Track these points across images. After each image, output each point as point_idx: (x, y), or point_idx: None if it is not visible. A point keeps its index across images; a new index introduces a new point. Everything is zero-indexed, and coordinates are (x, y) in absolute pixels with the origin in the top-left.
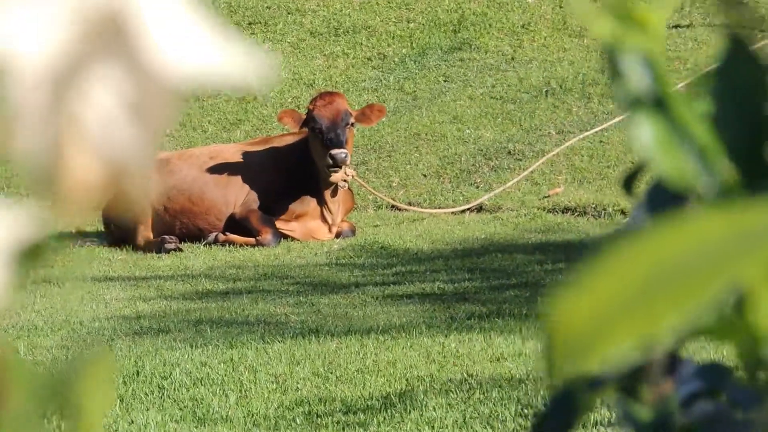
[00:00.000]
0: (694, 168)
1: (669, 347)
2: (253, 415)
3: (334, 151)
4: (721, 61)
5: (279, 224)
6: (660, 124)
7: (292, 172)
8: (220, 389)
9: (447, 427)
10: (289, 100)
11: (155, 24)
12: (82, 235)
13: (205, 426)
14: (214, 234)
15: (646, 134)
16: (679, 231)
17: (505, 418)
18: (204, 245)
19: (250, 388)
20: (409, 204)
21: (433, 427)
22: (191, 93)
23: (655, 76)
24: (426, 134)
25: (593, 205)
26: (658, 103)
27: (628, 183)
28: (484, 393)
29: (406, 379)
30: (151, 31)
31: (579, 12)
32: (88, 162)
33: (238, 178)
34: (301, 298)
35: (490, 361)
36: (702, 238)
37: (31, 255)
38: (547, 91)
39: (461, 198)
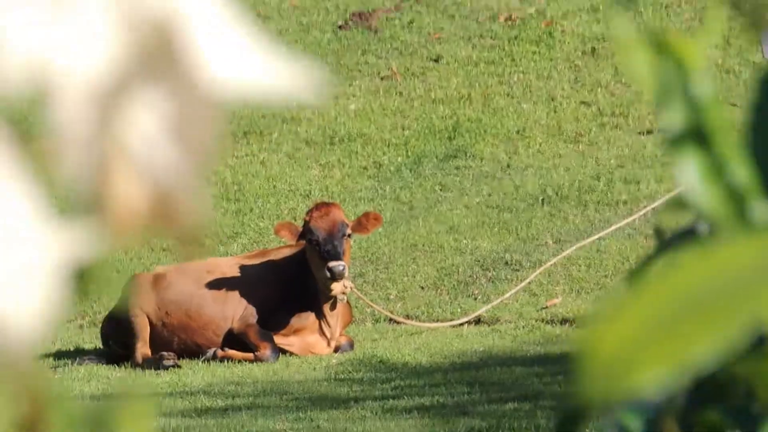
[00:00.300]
0: (733, 204)
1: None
2: None
3: (332, 264)
4: (756, 97)
5: (277, 339)
6: (701, 159)
7: (290, 285)
8: None
9: None
10: (286, 212)
11: (204, 38)
12: (80, 353)
13: None
14: (213, 350)
15: (688, 169)
16: (712, 258)
17: None
18: (203, 361)
19: None
20: (407, 317)
21: None
22: (237, 108)
23: (697, 109)
24: (423, 245)
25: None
26: (700, 138)
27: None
28: None
29: None
30: (200, 46)
31: (620, 43)
32: (133, 185)
33: (236, 293)
34: (300, 413)
35: None
36: (734, 266)
37: (83, 277)
38: (543, 199)
39: (459, 310)
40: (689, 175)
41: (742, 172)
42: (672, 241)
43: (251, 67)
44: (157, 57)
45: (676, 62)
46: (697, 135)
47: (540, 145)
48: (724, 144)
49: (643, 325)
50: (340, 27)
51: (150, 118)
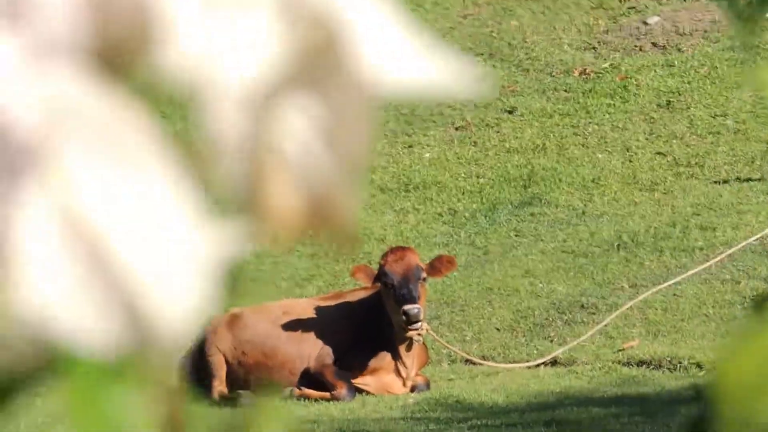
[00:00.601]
0: None
1: None
2: None
3: (407, 307)
4: None
5: (354, 379)
6: None
7: (365, 326)
8: None
9: None
10: (361, 256)
11: (366, 36)
12: None
13: None
14: (290, 389)
15: None
16: None
17: None
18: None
19: None
20: (483, 358)
21: None
22: (408, 104)
23: None
24: (498, 288)
25: (668, 359)
26: None
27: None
28: None
29: None
30: (362, 44)
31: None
32: (289, 188)
33: (312, 333)
34: None
35: None
36: None
37: (235, 275)
38: (618, 245)
39: (535, 352)
40: None
41: None
42: None
43: (412, 63)
44: (320, 58)
45: None
46: None
47: (615, 193)
48: None
49: None
50: None
51: (306, 120)
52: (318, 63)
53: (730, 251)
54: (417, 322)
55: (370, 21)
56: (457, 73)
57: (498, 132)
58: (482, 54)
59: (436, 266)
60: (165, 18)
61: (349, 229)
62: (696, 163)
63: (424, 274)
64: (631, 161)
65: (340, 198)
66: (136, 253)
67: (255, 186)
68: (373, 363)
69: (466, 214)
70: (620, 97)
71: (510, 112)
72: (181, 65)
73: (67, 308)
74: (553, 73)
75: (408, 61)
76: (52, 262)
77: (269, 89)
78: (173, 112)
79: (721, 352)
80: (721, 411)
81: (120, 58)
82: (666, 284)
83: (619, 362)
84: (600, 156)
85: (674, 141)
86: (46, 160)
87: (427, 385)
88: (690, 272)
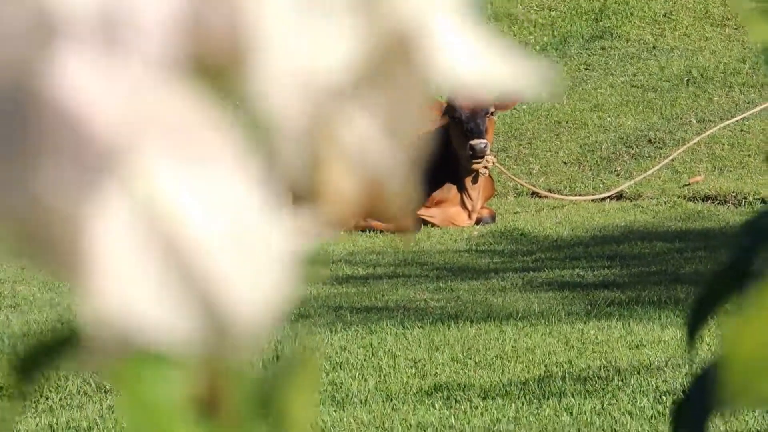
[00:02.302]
0: None
1: None
2: (391, 399)
3: (473, 142)
4: None
5: (419, 210)
6: None
7: (431, 159)
8: (359, 373)
9: (585, 414)
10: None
11: (439, 35)
12: None
13: (344, 409)
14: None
15: None
16: None
17: (644, 405)
18: (344, 230)
19: (389, 372)
20: (549, 191)
21: (571, 413)
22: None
23: None
24: (566, 122)
25: (734, 194)
26: None
27: None
28: (622, 380)
29: (545, 366)
30: (435, 43)
31: (740, 12)
32: (347, 178)
33: None
34: (440, 284)
35: (629, 349)
36: None
37: (307, 262)
38: (688, 80)
39: (601, 185)
40: None
41: None
42: None
43: (482, 62)
44: (392, 59)
45: None
46: None
47: (686, 27)
48: None
49: None
50: None
51: (368, 116)
52: (389, 63)
53: None
54: (482, 156)
55: (445, 22)
56: (527, 74)
57: None
58: None
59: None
60: (259, 33)
61: (404, 217)
62: None
63: (492, 108)
64: None
65: (396, 187)
66: (215, 248)
67: (314, 174)
68: (438, 195)
69: (537, 47)
70: None
71: None
72: (273, 81)
73: (148, 307)
74: None
75: (479, 63)
76: (133, 260)
77: (338, 86)
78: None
79: (727, 325)
80: (728, 384)
81: (213, 71)
82: (733, 120)
83: (684, 197)
84: None
85: None
86: (126, 159)
87: (493, 218)
88: (758, 107)
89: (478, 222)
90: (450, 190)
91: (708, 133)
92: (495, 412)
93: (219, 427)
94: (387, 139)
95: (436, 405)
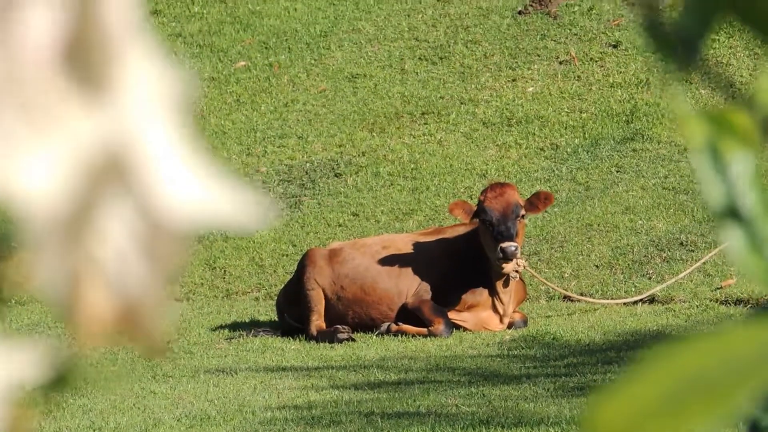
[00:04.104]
0: None
1: None
2: None
3: (504, 245)
4: None
5: (451, 315)
6: (745, 233)
7: (463, 262)
8: None
9: None
10: (462, 190)
11: (156, 162)
12: (255, 325)
13: None
14: (387, 324)
15: (733, 240)
16: (715, 342)
17: None
18: (376, 335)
19: None
20: (581, 295)
21: None
22: (192, 232)
23: (744, 184)
24: (598, 225)
25: (766, 298)
26: (741, 215)
27: None
28: None
29: None
30: (152, 170)
31: (677, 113)
32: (102, 296)
33: (410, 269)
34: (472, 389)
35: None
36: (735, 350)
37: (53, 385)
38: None
39: (633, 289)
40: (734, 244)
41: None
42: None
43: (199, 192)
44: (114, 179)
45: (729, 134)
46: (736, 214)
47: None
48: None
49: (647, 401)
50: (519, 12)
51: (116, 235)
52: (115, 185)
53: None
54: (513, 259)
55: (161, 149)
56: (240, 201)
57: (602, 67)
58: None
59: (533, 202)
60: None
61: (157, 336)
62: None
63: (522, 211)
64: (734, 98)
65: (150, 306)
66: None
67: (71, 291)
68: (470, 299)
69: (568, 149)
70: (725, 32)
71: (614, 46)
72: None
73: None
74: (660, 8)
75: (192, 189)
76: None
77: (73, 207)
78: None
79: (595, 402)
80: None
81: None
82: None
83: (717, 300)
84: (703, 92)
85: None
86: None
87: (525, 322)
88: None
89: (510, 326)
90: (482, 294)
91: None
92: None
93: None
94: (142, 259)
95: None
